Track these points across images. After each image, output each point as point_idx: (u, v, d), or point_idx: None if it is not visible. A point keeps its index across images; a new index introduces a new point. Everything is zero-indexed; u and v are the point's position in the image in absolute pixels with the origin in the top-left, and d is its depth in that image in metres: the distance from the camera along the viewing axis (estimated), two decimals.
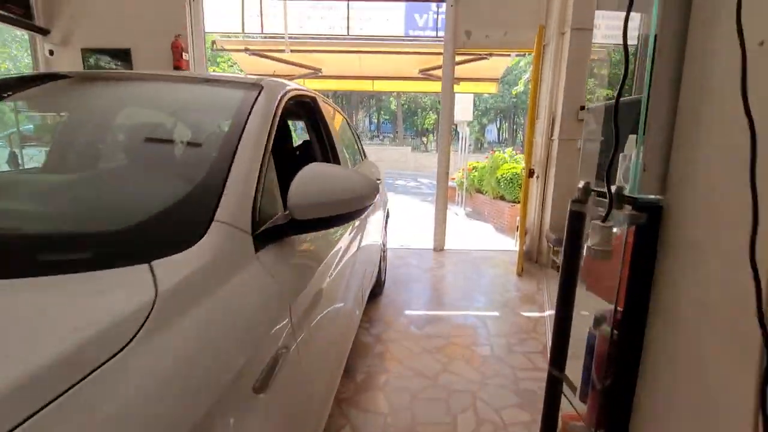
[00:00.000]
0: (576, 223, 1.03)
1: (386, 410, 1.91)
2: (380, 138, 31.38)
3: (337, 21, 6.68)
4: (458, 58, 4.88)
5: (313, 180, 0.99)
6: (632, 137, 0.95)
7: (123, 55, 4.40)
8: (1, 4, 3.90)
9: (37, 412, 0.41)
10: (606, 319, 0.97)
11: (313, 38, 6.95)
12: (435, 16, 7.05)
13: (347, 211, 1.02)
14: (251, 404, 0.67)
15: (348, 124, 3.03)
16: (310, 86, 9.03)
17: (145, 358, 0.53)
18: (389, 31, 6.92)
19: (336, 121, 2.51)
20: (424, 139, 29.82)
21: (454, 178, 8.81)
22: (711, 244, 0.71)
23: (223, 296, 0.70)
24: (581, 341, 1.08)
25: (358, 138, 3.30)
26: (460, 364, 2.30)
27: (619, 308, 0.88)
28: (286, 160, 1.85)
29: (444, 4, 4.32)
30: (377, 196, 1.11)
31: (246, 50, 6.64)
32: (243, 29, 6.51)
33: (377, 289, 3.16)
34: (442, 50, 4.40)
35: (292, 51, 6.37)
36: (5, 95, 1.28)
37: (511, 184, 6.43)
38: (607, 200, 0.87)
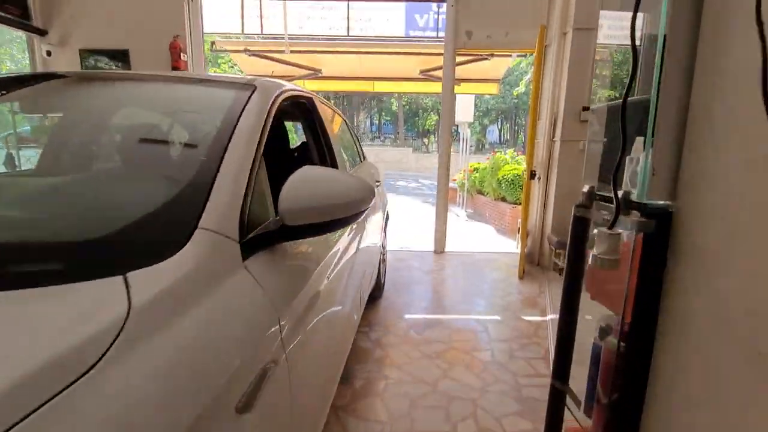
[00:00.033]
0: (580, 228, 0.99)
1: (385, 418, 1.86)
2: (381, 139, 31.34)
3: (337, 21, 6.65)
4: (459, 59, 4.83)
5: (305, 184, 0.94)
6: (639, 139, 0.90)
7: (121, 56, 4.37)
8: None
9: None
10: (612, 330, 0.92)
11: (313, 39, 6.92)
12: (435, 16, 7.01)
13: (341, 216, 0.98)
14: (234, 425, 0.63)
15: (347, 125, 2.99)
16: (310, 87, 9.06)
17: (114, 379, 0.48)
18: (389, 31, 6.89)
19: (334, 122, 2.47)
20: (425, 140, 29.77)
21: (455, 180, 8.77)
22: (727, 252, 0.66)
23: (205, 309, 0.66)
24: (583, 345, 1.04)
25: (357, 139, 3.26)
26: (461, 369, 2.26)
27: (626, 320, 0.84)
28: (282, 162, 1.81)
29: (444, 4, 4.28)
30: (374, 199, 1.07)
31: (245, 51, 6.61)
32: (243, 30, 6.48)
33: (377, 292, 3.12)
34: (442, 51, 4.36)
35: (291, 52, 6.33)
36: None
37: (512, 186, 6.38)
38: (613, 205, 0.83)
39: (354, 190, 0.99)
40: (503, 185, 6.54)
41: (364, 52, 6.88)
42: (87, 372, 0.46)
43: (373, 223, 2.57)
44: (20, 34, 4.35)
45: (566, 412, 1.11)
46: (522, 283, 3.70)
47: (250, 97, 1.19)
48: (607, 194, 0.92)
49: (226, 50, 7.87)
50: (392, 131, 31.90)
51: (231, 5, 6.49)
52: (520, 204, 5.97)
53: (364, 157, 3.24)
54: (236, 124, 1.04)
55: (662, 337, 0.80)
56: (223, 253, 0.76)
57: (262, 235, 0.90)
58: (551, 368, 1.06)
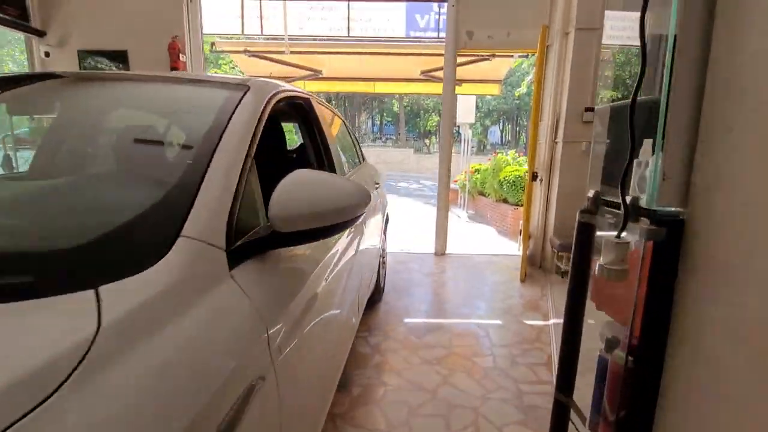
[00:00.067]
0: (585, 235, 0.94)
1: (383, 427, 1.82)
2: (383, 140, 31.29)
3: (338, 22, 6.61)
4: (460, 60, 4.79)
5: (296, 188, 0.90)
6: (647, 142, 0.86)
7: (120, 57, 4.35)
8: None
9: None
10: (619, 343, 0.88)
11: (313, 39, 6.89)
12: (436, 16, 6.97)
13: (335, 222, 0.94)
14: None
15: (346, 126, 2.95)
16: (311, 88, 9.04)
17: (76, 407, 0.44)
18: (390, 32, 6.85)
19: (333, 123, 2.43)
20: (427, 141, 29.71)
21: (456, 181, 8.72)
22: (743, 263, 0.62)
23: (185, 324, 0.61)
24: (586, 351, 0.99)
25: (357, 140, 3.22)
26: (461, 376, 2.21)
27: (634, 333, 0.79)
28: (279, 164, 1.77)
29: (445, 4, 4.24)
30: (374, 201, 1.02)
31: (245, 52, 6.58)
32: (242, 31, 6.45)
33: (376, 296, 3.07)
34: (443, 51, 4.32)
35: (291, 52, 6.30)
36: None
37: (513, 187, 6.33)
38: (619, 211, 0.78)
39: (348, 195, 0.95)
40: (505, 186, 6.49)
41: (365, 53, 6.84)
42: (40, 404, 0.42)
43: (373, 225, 2.53)
44: (21, 36, 4.33)
45: (571, 427, 1.06)
46: (524, 286, 3.65)
47: (242, 98, 1.15)
48: (614, 200, 0.87)
49: (225, 51, 7.85)
50: (394, 132, 31.86)
51: (231, 6, 6.46)
52: (521, 205, 5.92)
53: (363, 159, 3.19)
54: (226, 125, 1.00)
55: (673, 352, 0.76)
56: (207, 263, 0.72)
57: (251, 243, 0.86)
58: (554, 381, 1.01)
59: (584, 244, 0.94)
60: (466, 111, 8.33)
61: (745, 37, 0.64)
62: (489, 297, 3.40)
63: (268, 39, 6.68)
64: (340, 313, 1.60)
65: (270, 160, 1.81)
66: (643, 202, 0.77)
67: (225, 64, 15.38)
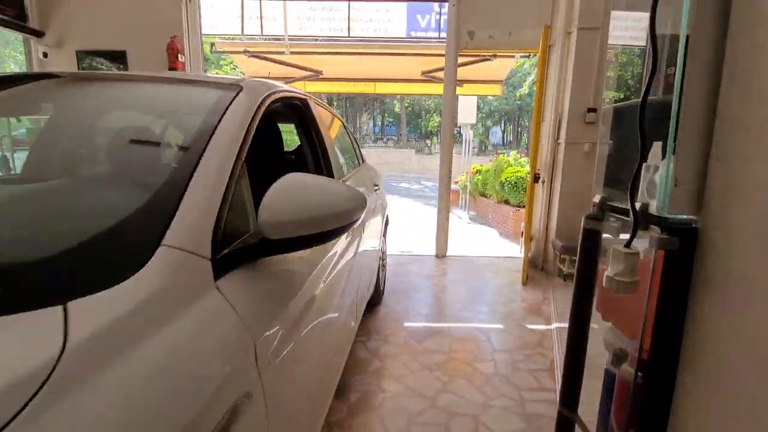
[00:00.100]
0: (590, 242, 0.90)
1: None
2: (384, 140, 31.24)
3: (338, 22, 6.58)
4: (461, 60, 4.75)
5: (288, 193, 0.86)
6: (657, 144, 0.81)
7: (119, 57, 4.32)
8: None
9: None
10: (627, 357, 0.83)
11: (313, 40, 6.86)
12: (437, 16, 6.93)
13: (329, 228, 0.89)
14: None
15: (345, 127, 2.91)
16: (311, 89, 8.95)
17: None
18: (391, 32, 6.81)
19: (331, 124, 2.39)
20: (428, 141, 29.64)
21: (457, 182, 8.67)
22: (763, 275, 0.57)
23: (162, 342, 0.57)
24: (590, 356, 0.95)
25: (356, 142, 3.18)
26: (462, 382, 2.16)
27: (644, 347, 0.75)
28: (275, 167, 1.73)
29: (446, 4, 4.20)
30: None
31: (245, 52, 6.55)
32: (242, 31, 6.42)
33: (376, 299, 3.03)
34: (444, 52, 4.27)
35: (292, 53, 6.27)
36: None
37: (515, 188, 6.28)
38: (627, 218, 0.74)
39: (343, 199, 0.91)
40: (506, 188, 6.44)
41: (365, 53, 6.80)
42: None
43: (372, 227, 2.49)
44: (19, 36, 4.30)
45: None
46: (525, 290, 3.60)
47: (234, 99, 1.11)
48: (620, 205, 0.83)
49: (225, 51, 7.82)
50: (395, 133, 31.82)
51: (231, 6, 6.43)
52: (523, 207, 5.87)
53: (363, 160, 3.15)
54: (216, 127, 0.96)
55: (686, 369, 0.71)
56: (189, 274, 0.68)
57: (239, 251, 0.82)
58: (558, 395, 0.96)
59: (590, 252, 0.90)
60: (467, 112, 8.28)
61: (762, 37, 0.60)
62: (490, 300, 3.35)
63: (268, 39, 6.65)
64: (338, 317, 1.56)
65: (265, 162, 1.77)
66: (653, 209, 0.73)
67: (226, 65, 15.37)
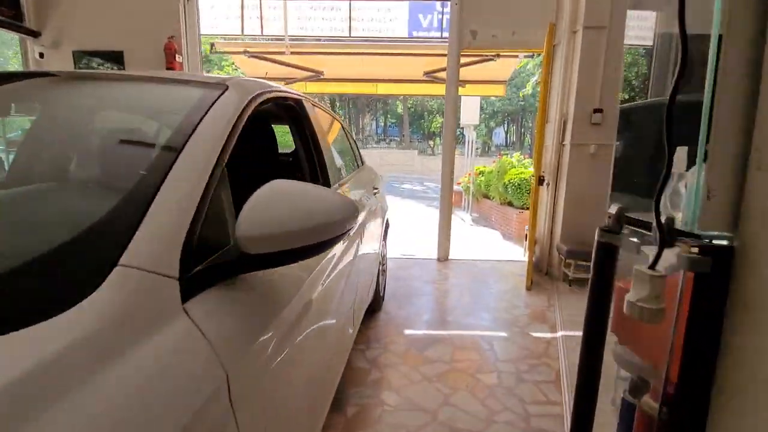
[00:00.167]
0: (605, 257, 0.81)
1: None
2: (387, 141, 31.15)
3: (339, 22, 6.50)
4: (464, 60, 4.66)
5: (270, 203, 0.78)
6: (682, 149, 0.72)
7: (116, 58, 4.26)
8: None
9: None
10: (648, 386, 0.74)
11: (315, 40, 6.78)
12: (440, 16, 6.84)
13: (316, 241, 0.81)
14: None
15: (344, 128, 2.83)
16: (312, 90, 8.84)
17: None
18: (392, 32, 6.73)
19: (328, 125, 2.31)
20: (431, 142, 29.54)
21: (460, 183, 8.58)
22: None
23: (113, 380, 0.49)
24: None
25: (355, 143, 3.10)
26: (464, 395, 2.07)
27: (670, 379, 0.66)
28: (267, 172, 1.65)
29: (449, 3, 4.12)
30: (356, 219, 0.90)
31: (245, 52, 6.48)
32: (242, 31, 6.35)
33: (375, 305, 2.94)
34: (446, 51, 4.19)
35: (292, 53, 6.19)
36: None
37: (519, 190, 6.18)
38: (652, 234, 0.65)
39: (332, 209, 0.83)
40: (510, 189, 6.34)
41: (367, 54, 6.72)
42: None
43: (372, 231, 2.40)
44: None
45: None
46: (530, 295, 3.51)
47: (218, 98, 1.03)
48: (642, 218, 0.74)
49: (225, 52, 7.76)
50: (398, 134, 31.74)
51: (231, 6, 6.37)
52: (527, 209, 5.77)
53: (362, 162, 3.07)
54: (195, 128, 0.87)
55: (719, 405, 0.62)
56: (151, 297, 0.60)
57: (214, 267, 0.74)
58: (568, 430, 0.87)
59: (605, 268, 0.81)
60: (470, 112, 8.20)
61: None
62: (493, 306, 3.26)
63: (269, 40, 6.58)
64: (334, 325, 1.48)
65: (258, 166, 1.69)
66: (683, 224, 0.64)
67: (228, 66, 15.33)
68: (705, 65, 0.64)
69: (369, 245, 2.29)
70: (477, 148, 13.70)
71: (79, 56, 4.24)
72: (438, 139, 28.44)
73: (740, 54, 0.60)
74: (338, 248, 1.53)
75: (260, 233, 0.74)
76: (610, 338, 0.90)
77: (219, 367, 0.64)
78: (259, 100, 1.20)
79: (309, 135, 1.72)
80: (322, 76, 7.74)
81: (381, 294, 3.12)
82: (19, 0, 4.04)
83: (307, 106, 1.80)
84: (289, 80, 7.48)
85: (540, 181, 3.76)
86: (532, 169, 5.07)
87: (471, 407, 1.97)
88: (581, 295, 3.44)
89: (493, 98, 22.56)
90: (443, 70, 4.61)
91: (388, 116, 32.51)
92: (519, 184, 6.21)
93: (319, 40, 6.78)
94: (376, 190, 2.80)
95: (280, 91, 1.48)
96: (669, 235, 0.62)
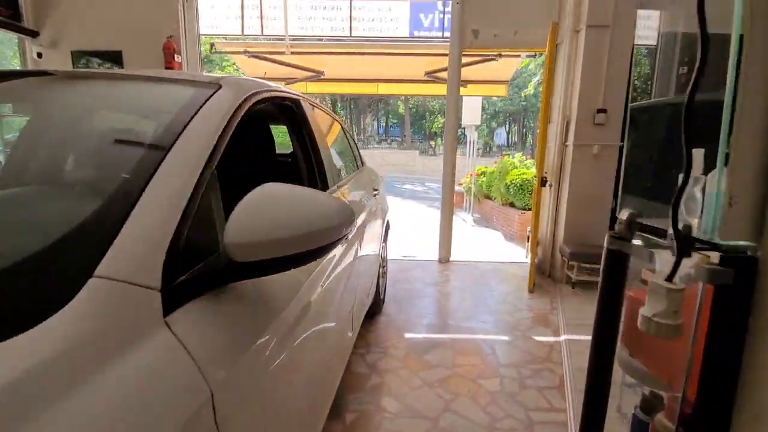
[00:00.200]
0: (615, 265, 0.76)
1: None
2: (388, 142, 31.10)
3: (340, 22, 6.46)
4: (465, 60, 4.62)
5: (261, 208, 0.73)
6: (699, 152, 0.68)
7: (114, 57, 4.23)
8: None
9: None
10: (662, 404, 0.70)
11: (317, 40, 6.74)
12: (441, 15, 6.80)
13: (310, 248, 0.77)
14: None
15: (343, 128, 2.79)
16: (313, 90, 8.77)
17: None
18: (393, 31, 6.68)
19: (326, 125, 2.27)
20: (432, 142, 29.48)
21: (461, 184, 8.54)
22: None
23: (86, 401, 0.45)
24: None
25: (355, 143, 3.05)
26: (465, 401, 2.03)
27: (688, 398, 0.61)
28: (266, 174, 1.61)
29: (450, 2, 4.07)
30: (351, 227, 0.85)
31: (245, 52, 6.45)
32: (243, 31, 6.32)
33: (375, 308, 2.90)
34: (448, 51, 4.14)
35: (293, 53, 6.16)
36: None
37: (521, 191, 6.13)
38: (668, 243, 0.61)
39: (328, 215, 0.79)
40: (511, 190, 6.29)
41: (368, 53, 6.68)
42: None
43: (372, 233, 2.36)
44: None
45: None
46: (532, 298, 3.46)
47: (210, 97, 0.98)
48: (655, 224, 0.70)
49: (225, 52, 7.73)
50: (399, 134, 31.70)
51: (231, 6, 6.33)
52: (529, 210, 5.72)
53: (362, 163, 3.03)
54: (183, 129, 0.83)
55: (741, 427, 0.58)
56: (129, 311, 0.56)
57: (200, 277, 0.70)
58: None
59: (614, 277, 0.77)
60: (471, 113, 8.15)
61: None
62: (495, 309, 3.21)
63: (269, 39, 6.54)
64: (333, 328, 1.44)
65: (252, 169, 1.65)
66: (701, 233, 0.59)
67: (229, 66, 15.30)
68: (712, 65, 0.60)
69: (369, 247, 2.25)
70: (478, 149, 13.65)
71: (77, 56, 4.21)
72: (439, 139, 28.39)
73: (764, 54, 0.55)
74: (337, 250, 1.49)
75: (249, 240, 0.70)
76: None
77: (203, 384, 0.60)
78: (254, 99, 1.16)
79: (307, 136, 1.68)
80: (322, 76, 7.70)
81: (381, 296, 3.08)
82: None
83: (305, 106, 1.76)
84: (289, 80, 7.44)
85: (542, 182, 3.72)
86: (534, 170, 5.02)
87: (472, 414, 1.93)
88: (584, 298, 3.39)
89: (494, 98, 22.52)
90: (444, 70, 4.56)
91: (390, 116, 32.47)
92: (521, 185, 6.16)
93: (320, 40, 6.74)
94: (376, 192, 2.76)
95: (277, 91, 1.44)
96: (685, 245, 0.58)
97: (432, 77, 7.43)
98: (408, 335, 2.73)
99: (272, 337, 0.86)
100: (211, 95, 1.00)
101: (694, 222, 0.66)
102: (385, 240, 3.05)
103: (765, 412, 0.55)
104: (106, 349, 0.51)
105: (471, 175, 8.17)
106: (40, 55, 4.18)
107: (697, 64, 0.57)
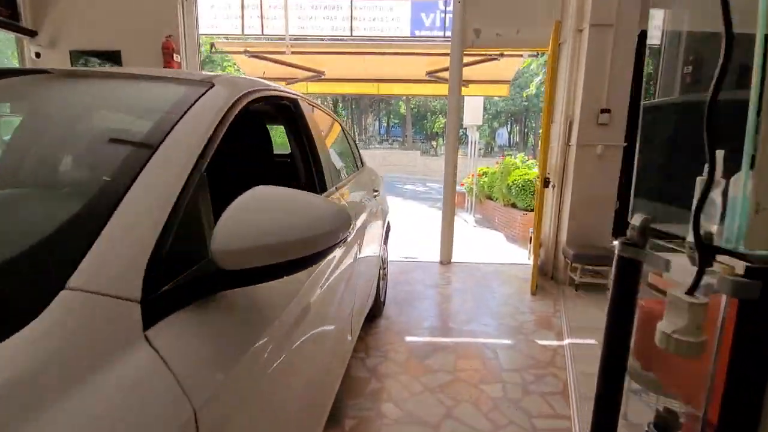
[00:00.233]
0: (627, 273, 0.72)
1: None
2: (389, 142, 31.06)
3: (341, 22, 6.42)
4: (467, 59, 4.58)
5: (251, 212, 0.69)
6: (720, 153, 0.63)
7: (113, 57, 4.20)
8: None
9: None
10: (678, 423, 0.65)
11: (319, 39, 6.70)
12: (442, 15, 6.75)
13: (303, 254, 0.72)
14: None
15: (343, 129, 2.74)
16: (313, 90, 8.73)
17: None
18: (394, 31, 6.64)
19: (325, 125, 2.23)
20: (434, 143, 29.43)
21: (463, 184, 8.49)
22: None
23: (54, 425, 0.41)
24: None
25: (355, 144, 3.01)
26: (467, 407, 1.98)
27: (710, 419, 0.57)
28: (262, 176, 1.57)
29: (452, 1, 4.03)
30: (347, 232, 0.81)
31: (245, 52, 6.41)
32: (243, 31, 6.28)
33: (376, 311, 2.86)
34: (449, 51, 4.10)
35: (293, 53, 6.12)
36: None
37: (523, 192, 6.08)
38: (685, 251, 0.56)
39: (322, 219, 0.74)
40: (513, 191, 6.24)
41: (368, 53, 6.63)
42: None
43: (372, 234, 2.32)
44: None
45: None
46: (535, 300, 3.41)
47: (201, 96, 0.94)
48: (672, 231, 0.65)
49: (225, 51, 7.70)
50: (400, 134, 31.67)
51: (231, 6, 6.30)
52: (531, 210, 5.67)
53: (362, 164, 2.99)
54: (171, 128, 0.79)
55: None
56: (104, 325, 0.51)
57: (184, 287, 0.65)
58: None
59: (626, 285, 0.72)
60: (473, 113, 8.11)
61: None
62: (497, 312, 3.16)
63: (269, 39, 6.50)
64: (332, 332, 1.40)
65: (248, 170, 1.61)
66: (723, 242, 0.55)
67: (229, 66, 15.28)
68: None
69: (369, 249, 2.21)
70: (480, 149, 13.61)
71: (76, 56, 4.18)
72: (441, 139, 28.34)
73: None
74: (337, 252, 1.45)
75: (239, 247, 0.65)
76: None
77: (185, 403, 0.56)
78: (249, 98, 1.12)
79: (305, 136, 1.64)
80: (323, 76, 7.66)
81: (381, 299, 3.04)
82: None
83: (304, 105, 1.72)
84: (290, 80, 7.41)
85: (545, 183, 3.67)
86: (536, 170, 4.97)
87: (474, 421, 1.88)
88: (588, 301, 3.34)
89: (496, 98, 22.45)
90: (446, 69, 4.52)
91: (391, 117, 32.44)
92: (523, 185, 6.11)
93: (321, 39, 6.70)
94: (376, 193, 2.72)
95: (274, 90, 1.40)
96: (709, 254, 0.54)
97: (433, 77, 7.38)
98: (409, 339, 2.68)
99: (266, 345, 0.82)
100: (203, 94, 0.96)
101: (713, 228, 0.61)
102: (385, 241, 3.01)
103: None
104: (76, 368, 0.46)
105: (473, 175, 8.13)
106: (38, 55, 4.16)
107: (720, 62, 0.52)
